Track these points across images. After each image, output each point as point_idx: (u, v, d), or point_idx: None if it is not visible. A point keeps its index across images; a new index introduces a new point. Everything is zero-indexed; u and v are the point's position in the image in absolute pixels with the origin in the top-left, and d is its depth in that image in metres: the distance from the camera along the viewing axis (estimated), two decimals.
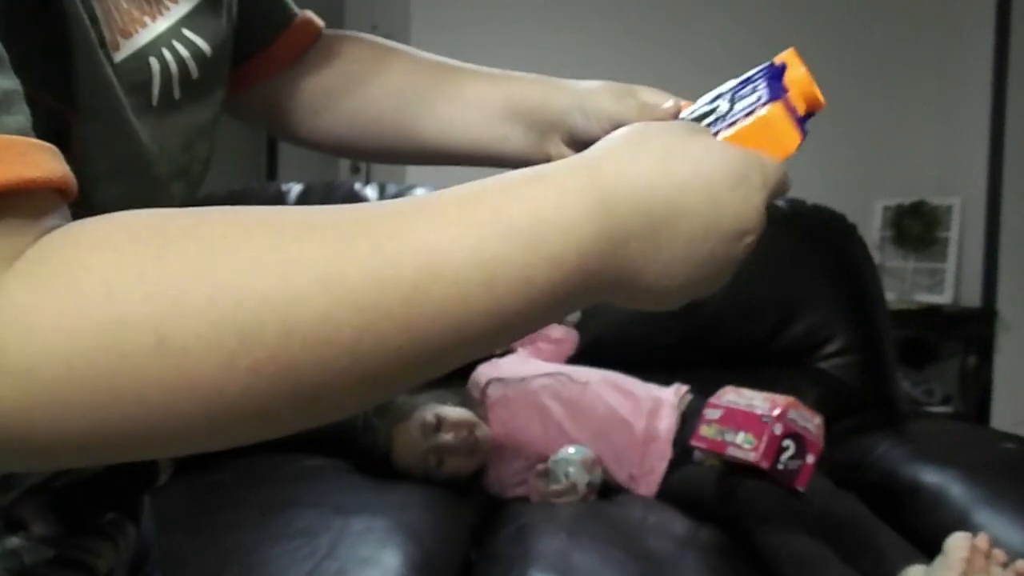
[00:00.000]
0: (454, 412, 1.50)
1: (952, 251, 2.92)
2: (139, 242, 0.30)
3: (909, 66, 3.08)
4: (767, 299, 1.79)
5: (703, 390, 1.50)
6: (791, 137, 0.45)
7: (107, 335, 0.28)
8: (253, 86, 0.65)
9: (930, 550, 1.13)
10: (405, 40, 3.58)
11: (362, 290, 0.30)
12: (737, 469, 1.29)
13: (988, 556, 1.05)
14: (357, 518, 1.23)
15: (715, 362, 1.77)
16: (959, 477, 1.34)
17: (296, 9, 0.68)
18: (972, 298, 2.88)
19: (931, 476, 1.38)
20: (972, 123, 2.89)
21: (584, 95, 0.60)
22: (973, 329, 2.82)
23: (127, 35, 0.42)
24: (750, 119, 0.44)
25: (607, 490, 1.50)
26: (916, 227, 2.95)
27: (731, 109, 0.46)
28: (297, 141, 0.70)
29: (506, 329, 0.34)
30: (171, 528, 0.75)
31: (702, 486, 1.37)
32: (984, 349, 2.81)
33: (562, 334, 1.68)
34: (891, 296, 2.53)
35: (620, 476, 1.51)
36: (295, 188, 1.84)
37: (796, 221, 1.88)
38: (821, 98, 0.48)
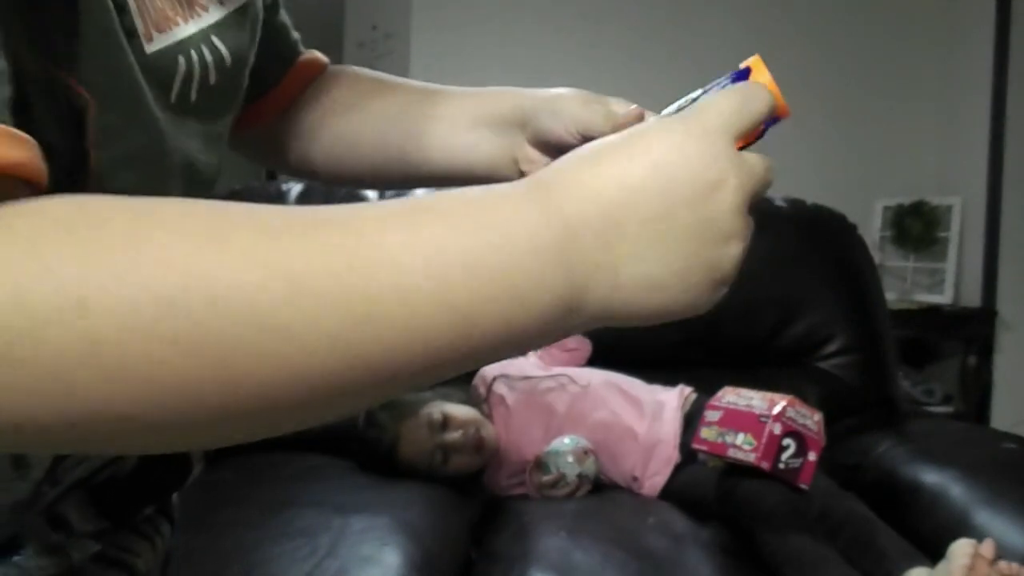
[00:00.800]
0: (461, 410, 1.50)
1: (952, 251, 2.92)
2: (78, 221, 0.29)
3: (909, 66, 3.08)
4: (767, 299, 1.80)
5: (703, 390, 1.50)
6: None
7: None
8: (255, 126, 0.66)
9: (930, 550, 1.13)
10: (405, 40, 3.60)
11: (309, 277, 0.29)
12: (740, 469, 1.29)
13: (992, 563, 1.05)
14: (357, 517, 1.23)
15: (715, 362, 1.77)
16: (959, 477, 1.34)
17: (302, 47, 0.70)
18: (972, 298, 2.88)
19: (931, 476, 1.38)
20: (972, 123, 2.89)
21: (552, 98, 0.60)
22: (973, 329, 2.82)
23: (161, 30, 0.43)
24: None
25: (608, 488, 1.50)
26: (916, 227, 2.95)
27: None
28: (288, 171, 0.71)
29: (475, 357, 0.33)
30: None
31: (703, 486, 1.37)
32: (984, 349, 2.81)
33: (576, 344, 1.69)
34: (891, 296, 2.53)
35: (623, 478, 1.51)
36: (295, 187, 1.84)
37: (796, 221, 1.88)
38: (786, 106, 0.47)
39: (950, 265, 2.91)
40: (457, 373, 0.34)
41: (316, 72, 0.70)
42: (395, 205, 0.33)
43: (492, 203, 0.34)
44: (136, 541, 0.54)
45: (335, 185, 0.79)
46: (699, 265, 0.37)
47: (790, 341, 1.80)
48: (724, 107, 0.39)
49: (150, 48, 0.42)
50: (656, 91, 3.52)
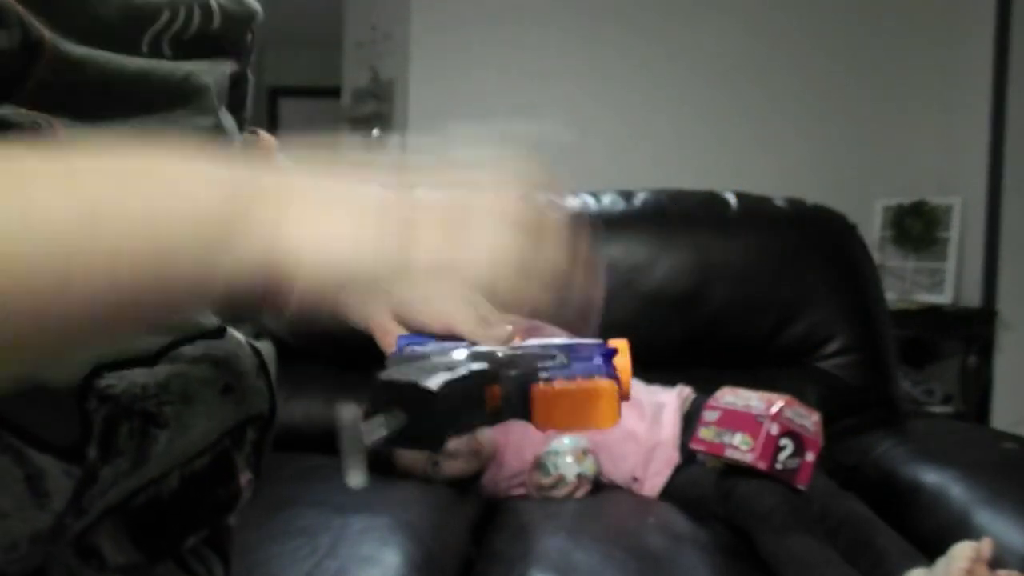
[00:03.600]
0: None
1: (952, 251, 2.92)
2: None
3: (909, 66, 3.08)
4: (767, 299, 1.80)
5: (703, 390, 1.50)
6: (611, 415, 0.47)
7: None
8: None
9: (930, 550, 1.13)
10: (405, 40, 3.60)
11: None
12: (738, 470, 1.29)
13: (992, 570, 1.04)
14: (357, 517, 1.23)
15: (715, 362, 1.77)
16: (959, 477, 1.34)
17: (252, 128, 0.66)
18: (972, 298, 2.88)
19: (931, 476, 1.38)
20: (972, 123, 2.89)
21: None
22: (973, 329, 2.82)
23: None
24: (589, 383, 0.46)
25: (608, 488, 1.50)
26: (916, 227, 2.95)
27: (570, 366, 0.48)
28: None
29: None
30: None
31: (703, 486, 1.37)
32: (984, 349, 2.81)
33: None
34: (891, 296, 2.53)
35: (623, 478, 1.51)
36: None
37: (796, 221, 1.88)
38: (628, 393, 0.50)
39: (950, 265, 2.91)
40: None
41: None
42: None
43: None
44: (177, 574, 0.49)
45: None
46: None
47: (790, 341, 1.80)
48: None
49: None
50: (656, 91, 3.52)
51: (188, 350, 0.45)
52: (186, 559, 0.50)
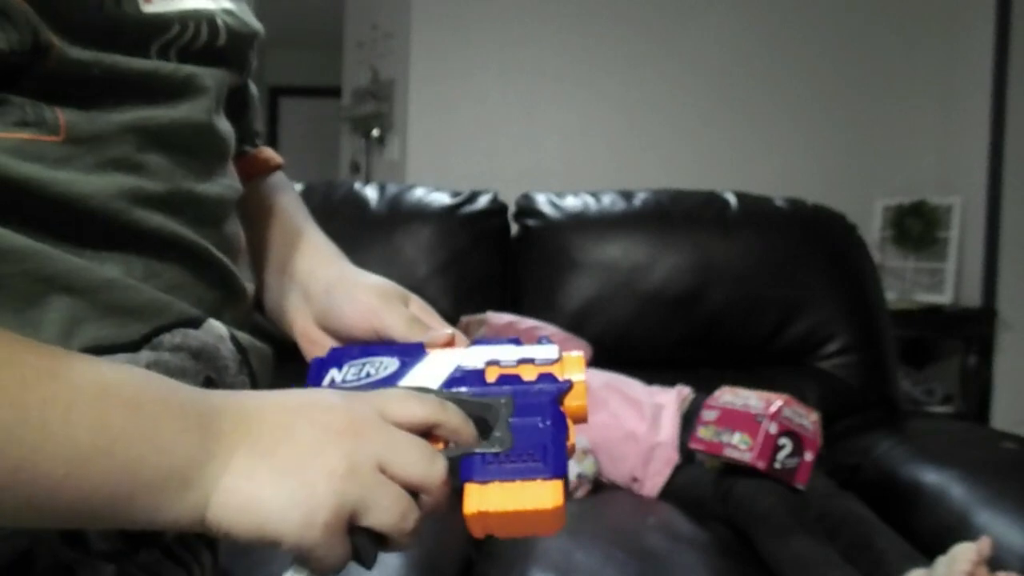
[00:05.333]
0: None
1: (952, 251, 2.92)
2: None
3: (909, 66, 3.08)
4: (767, 299, 1.80)
5: (703, 390, 1.50)
6: (554, 525, 0.43)
7: None
8: None
9: (930, 550, 1.13)
10: (405, 40, 3.60)
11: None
12: (737, 469, 1.29)
13: (992, 572, 1.04)
14: None
15: (715, 362, 1.78)
16: (959, 477, 1.34)
17: (257, 142, 0.68)
18: (972, 298, 2.88)
19: (931, 476, 1.38)
20: (972, 123, 2.89)
21: (352, 285, 0.57)
22: (973, 329, 2.82)
23: None
24: (529, 500, 0.42)
25: (608, 488, 1.50)
26: (916, 227, 2.95)
27: (512, 451, 0.43)
28: None
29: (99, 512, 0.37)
30: None
31: (703, 486, 1.37)
32: (984, 349, 2.81)
33: (579, 348, 1.68)
34: (891, 296, 2.53)
35: (623, 479, 1.51)
36: (295, 187, 1.84)
37: (796, 221, 1.88)
38: (586, 415, 0.48)
39: (950, 265, 2.91)
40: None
41: (257, 171, 0.67)
42: (95, 386, 0.37)
43: (163, 418, 0.38)
44: (170, 568, 0.50)
45: None
46: (319, 499, 0.40)
47: (790, 341, 1.80)
48: (391, 396, 0.44)
49: (147, 8, 0.45)
50: (656, 91, 3.52)
51: (168, 338, 0.47)
52: (172, 547, 0.51)
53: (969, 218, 2.91)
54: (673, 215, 1.86)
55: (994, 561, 1.06)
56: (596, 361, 1.68)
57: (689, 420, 1.48)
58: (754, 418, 1.27)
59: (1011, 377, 2.80)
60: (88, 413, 0.36)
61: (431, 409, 0.44)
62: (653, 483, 1.48)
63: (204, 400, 0.40)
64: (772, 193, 1.94)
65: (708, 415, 1.37)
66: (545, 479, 0.42)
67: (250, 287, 0.57)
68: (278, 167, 0.70)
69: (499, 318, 1.67)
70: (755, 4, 3.11)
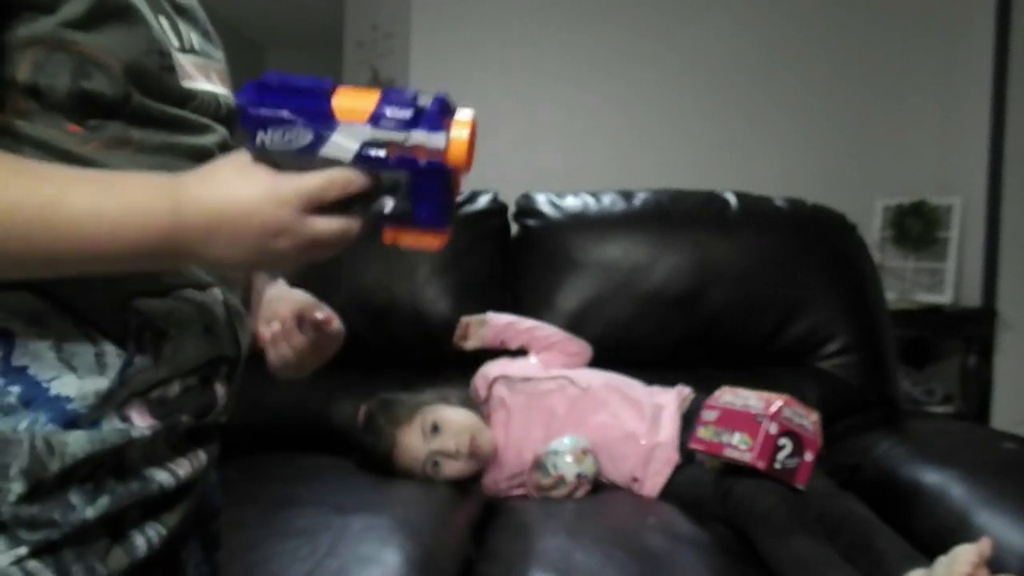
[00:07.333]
0: (457, 416, 1.50)
1: (952, 251, 2.92)
2: None
3: (909, 66, 3.08)
4: (767, 299, 1.80)
5: (703, 390, 1.50)
6: (440, 247, 0.64)
7: None
8: None
9: (930, 550, 1.13)
10: (405, 40, 3.59)
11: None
12: (737, 469, 1.29)
13: (993, 573, 1.04)
14: (358, 516, 1.23)
15: (715, 362, 1.78)
16: (959, 477, 1.34)
17: None
18: (972, 298, 2.88)
19: (931, 476, 1.38)
20: (972, 123, 2.89)
21: (278, 296, 0.90)
22: (973, 329, 2.82)
23: (191, 79, 0.69)
24: (425, 234, 0.62)
25: (608, 488, 1.50)
26: (916, 227, 2.95)
27: (412, 213, 0.61)
28: None
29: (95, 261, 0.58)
30: None
31: (703, 486, 1.37)
32: (984, 349, 2.81)
33: (577, 348, 1.69)
34: (891, 296, 2.53)
35: (623, 479, 1.51)
36: None
37: (796, 221, 1.88)
38: (469, 161, 0.61)
39: (950, 265, 2.91)
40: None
41: None
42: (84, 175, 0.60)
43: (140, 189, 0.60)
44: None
45: None
46: (263, 251, 0.59)
47: (790, 341, 1.80)
48: (307, 184, 0.58)
49: (185, 83, 0.69)
50: (656, 91, 3.52)
51: (184, 293, 0.68)
52: (184, 564, 0.70)
53: (969, 218, 2.91)
54: (673, 215, 1.86)
55: (994, 562, 1.06)
56: (596, 361, 1.68)
57: (689, 420, 1.48)
58: (754, 418, 1.27)
59: (1011, 377, 2.80)
60: (91, 178, 0.60)
61: (351, 179, 0.60)
62: (653, 483, 1.48)
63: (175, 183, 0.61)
64: (772, 193, 1.94)
65: (708, 415, 1.37)
66: (436, 232, 0.62)
67: (240, 275, 0.80)
68: None
69: (499, 318, 1.68)
70: (755, 4, 3.11)
